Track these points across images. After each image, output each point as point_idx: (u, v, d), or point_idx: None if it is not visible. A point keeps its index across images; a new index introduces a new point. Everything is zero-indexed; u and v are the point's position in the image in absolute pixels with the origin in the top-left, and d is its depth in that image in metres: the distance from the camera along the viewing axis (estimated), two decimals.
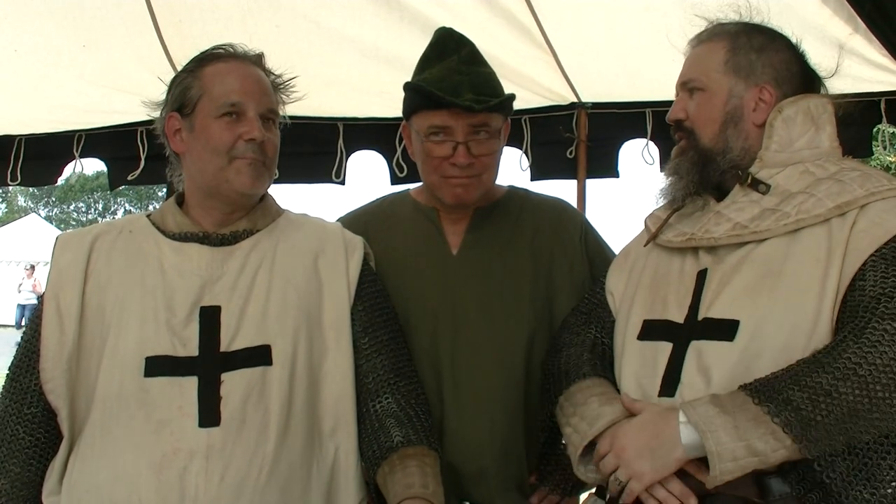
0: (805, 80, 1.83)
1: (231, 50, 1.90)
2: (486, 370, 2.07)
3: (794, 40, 1.85)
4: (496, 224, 2.19)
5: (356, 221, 2.24)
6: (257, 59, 1.91)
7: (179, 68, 1.95)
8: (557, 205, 2.31)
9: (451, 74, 2.01)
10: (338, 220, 2.26)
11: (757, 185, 1.76)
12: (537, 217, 2.21)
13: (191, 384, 1.73)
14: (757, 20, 1.85)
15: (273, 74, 1.94)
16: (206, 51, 1.90)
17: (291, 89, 1.96)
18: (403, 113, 2.12)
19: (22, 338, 1.88)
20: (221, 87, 1.83)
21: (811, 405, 1.47)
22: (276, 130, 1.90)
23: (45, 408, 1.82)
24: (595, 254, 2.20)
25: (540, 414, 1.99)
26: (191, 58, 1.92)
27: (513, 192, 2.27)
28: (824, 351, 1.53)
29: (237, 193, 1.85)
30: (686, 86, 1.84)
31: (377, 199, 2.35)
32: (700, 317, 1.70)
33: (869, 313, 1.54)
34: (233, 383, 1.74)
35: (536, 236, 2.18)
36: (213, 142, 1.81)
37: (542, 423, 1.97)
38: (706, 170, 1.80)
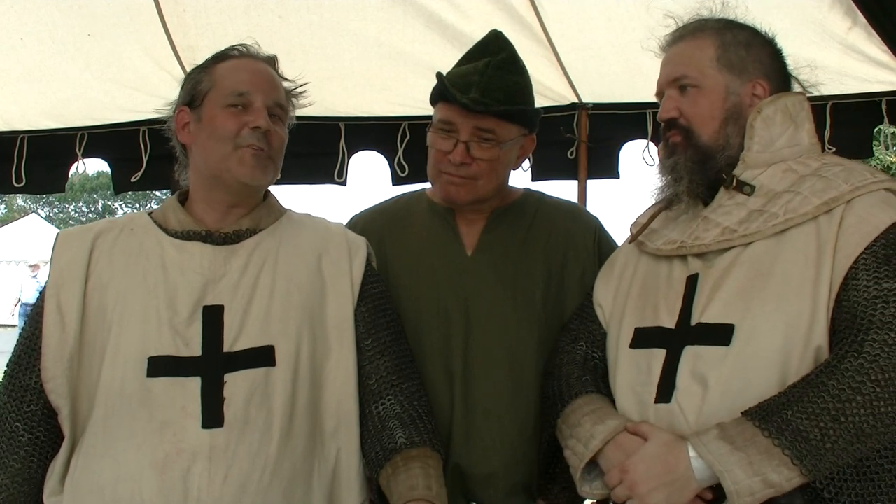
0: (784, 75, 1.84)
1: (244, 49, 1.91)
2: (496, 372, 2.07)
3: (770, 35, 1.86)
4: (511, 226, 2.18)
5: (371, 220, 2.25)
6: (269, 60, 1.92)
7: (183, 58, 1.96)
8: (572, 209, 2.32)
9: (472, 74, 2.02)
10: (352, 219, 2.28)
11: (742, 186, 1.76)
12: (552, 221, 2.21)
13: (194, 384, 1.73)
14: (750, 18, 1.86)
15: (286, 79, 1.94)
16: (222, 50, 1.91)
17: (301, 94, 1.96)
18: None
19: (21, 335, 1.87)
20: (232, 79, 1.84)
21: (820, 434, 1.49)
22: (283, 126, 1.91)
23: (45, 406, 1.81)
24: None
25: (541, 437, 2.00)
26: (194, 47, 1.93)
27: (528, 194, 2.28)
28: (827, 371, 1.53)
29: (239, 183, 1.85)
30: (677, 83, 1.83)
31: (392, 198, 2.34)
32: (693, 322, 1.70)
33: (867, 321, 1.54)
34: (236, 384, 1.73)
35: (550, 240, 2.17)
36: (219, 130, 1.82)
37: (542, 445, 1.98)
38: (705, 168, 1.79)
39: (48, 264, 1.90)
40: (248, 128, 1.81)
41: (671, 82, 1.84)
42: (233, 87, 1.83)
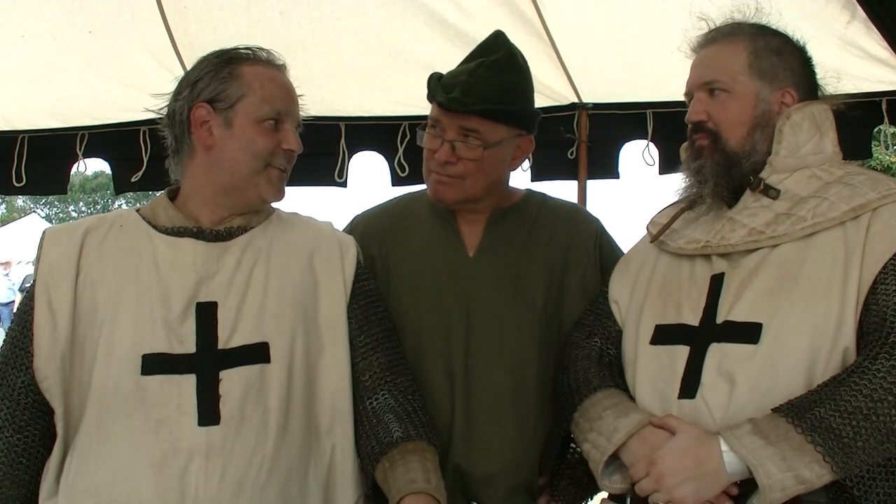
0: (813, 83, 1.86)
1: (265, 55, 1.89)
2: (497, 374, 2.07)
3: (801, 42, 1.87)
4: (513, 227, 2.18)
5: (372, 221, 2.24)
6: (285, 69, 1.91)
7: (184, 56, 1.94)
8: (574, 210, 2.33)
9: (462, 74, 2.01)
10: (353, 220, 2.28)
11: (768, 190, 1.78)
12: (553, 222, 2.21)
13: (189, 382, 1.72)
14: (757, 16, 1.87)
15: None
16: (238, 49, 1.87)
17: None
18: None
19: (7, 335, 1.85)
20: (267, 92, 1.82)
21: (852, 432, 1.51)
22: None
23: (35, 406, 1.79)
24: (608, 262, 2.17)
25: (553, 432, 2.00)
26: (195, 44, 1.92)
27: (530, 195, 2.27)
28: (858, 371, 1.55)
29: (261, 200, 1.87)
30: (707, 86, 1.83)
31: (393, 199, 2.34)
32: (720, 320, 1.72)
33: None
34: (231, 381, 1.73)
35: (551, 241, 2.17)
36: (255, 146, 1.81)
37: (554, 440, 1.98)
38: (730, 172, 1.81)
39: (30, 263, 1.88)
40: (280, 148, 1.83)
41: (702, 85, 1.85)
42: (270, 102, 1.82)
